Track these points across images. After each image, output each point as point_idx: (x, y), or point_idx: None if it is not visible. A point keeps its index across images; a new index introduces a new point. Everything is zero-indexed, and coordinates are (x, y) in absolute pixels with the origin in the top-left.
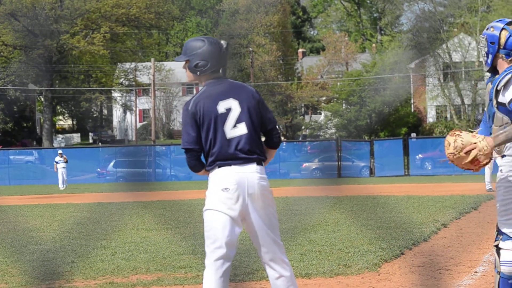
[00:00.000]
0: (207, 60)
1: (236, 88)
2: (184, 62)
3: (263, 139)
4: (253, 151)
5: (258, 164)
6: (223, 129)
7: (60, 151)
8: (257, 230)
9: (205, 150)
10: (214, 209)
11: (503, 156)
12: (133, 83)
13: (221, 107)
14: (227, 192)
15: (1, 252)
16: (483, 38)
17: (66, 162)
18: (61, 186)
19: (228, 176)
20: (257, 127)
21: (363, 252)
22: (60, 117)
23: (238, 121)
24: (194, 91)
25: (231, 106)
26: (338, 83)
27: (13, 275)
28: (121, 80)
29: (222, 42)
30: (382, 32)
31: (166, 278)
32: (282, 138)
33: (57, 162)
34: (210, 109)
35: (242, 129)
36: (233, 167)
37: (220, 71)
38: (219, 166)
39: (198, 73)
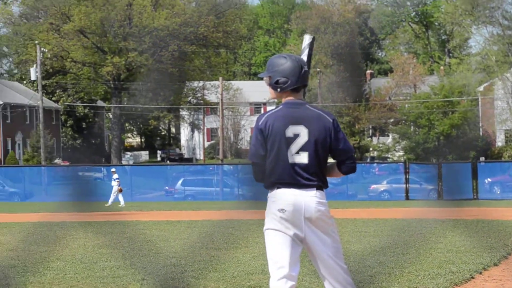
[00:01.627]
0: (288, 77)
1: (311, 116)
2: (267, 79)
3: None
4: (312, 179)
5: (317, 189)
6: (286, 153)
7: (113, 169)
8: (318, 253)
9: (267, 168)
10: (273, 229)
11: None
12: (201, 101)
13: (290, 131)
14: (283, 213)
15: (71, 268)
16: None
17: (117, 180)
18: (122, 203)
19: (286, 198)
20: (322, 158)
21: (433, 275)
22: (129, 135)
23: (302, 149)
24: (262, 111)
25: (300, 133)
26: (406, 105)
27: None
28: (189, 99)
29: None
30: (450, 54)
31: None
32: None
33: (114, 179)
34: (278, 130)
35: (303, 158)
36: (291, 189)
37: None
38: (278, 188)
39: (278, 89)
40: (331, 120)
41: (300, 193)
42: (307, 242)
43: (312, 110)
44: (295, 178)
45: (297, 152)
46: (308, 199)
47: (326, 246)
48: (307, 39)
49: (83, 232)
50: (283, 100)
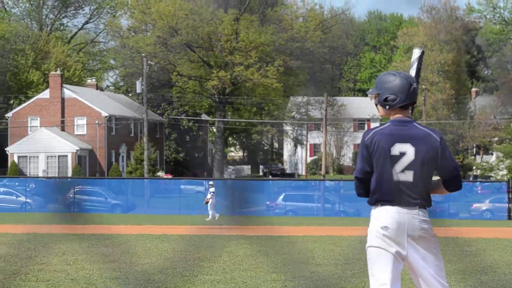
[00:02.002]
0: (397, 94)
1: (418, 135)
2: (374, 97)
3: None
4: (417, 197)
5: (420, 207)
6: (391, 171)
7: (211, 182)
8: (419, 272)
9: (372, 185)
10: (375, 246)
11: None
12: (305, 117)
13: (396, 149)
14: (386, 231)
15: (172, 281)
16: None
17: (211, 193)
18: (210, 217)
19: (389, 215)
20: (427, 177)
21: None
22: (232, 149)
23: (408, 168)
24: (366, 127)
25: (406, 152)
26: None
27: None
28: (293, 114)
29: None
30: None
31: None
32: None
33: (209, 193)
34: (384, 147)
35: (409, 176)
36: (395, 207)
37: (410, 109)
38: (382, 205)
39: (387, 107)
40: (439, 139)
41: (404, 211)
42: (409, 260)
43: (420, 128)
44: (399, 196)
45: (403, 171)
46: (411, 217)
47: (428, 264)
48: (416, 53)
49: (184, 246)
50: (391, 117)
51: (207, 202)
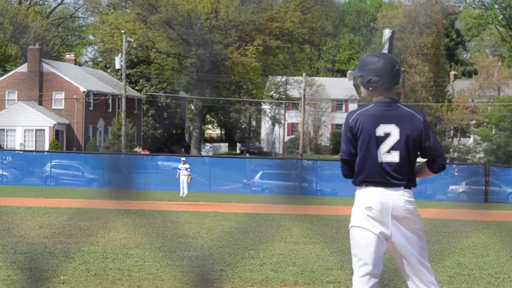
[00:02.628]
0: (381, 76)
1: (403, 116)
2: (357, 78)
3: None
4: (402, 178)
5: (406, 188)
6: (377, 152)
7: (183, 159)
8: (403, 252)
9: (356, 166)
10: (359, 226)
11: None
12: (283, 96)
13: (381, 130)
14: (370, 211)
15: (151, 256)
16: None
17: (188, 169)
18: (181, 192)
19: (374, 196)
20: (412, 157)
21: None
22: (209, 126)
23: (393, 148)
24: (344, 108)
25: (391, 132)
26: (489, 108)
27: (163, 279)
28: (271, 93)
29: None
30: None
31: None
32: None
33: (179, 169)
34: (368, 128)
35: (394, 157)
36: (380, 188)
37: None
38: (366, 185)
39: (370, 88)
40: (422, 119)
41: (389, 192)
42: (393, 240)
43: (404, 109)
44: (384, 177)
45: (388, 151)
46: (396, 197)
47: (412, 245)
48: (387, 33)
49: (162, 221)
50: (374, 99)
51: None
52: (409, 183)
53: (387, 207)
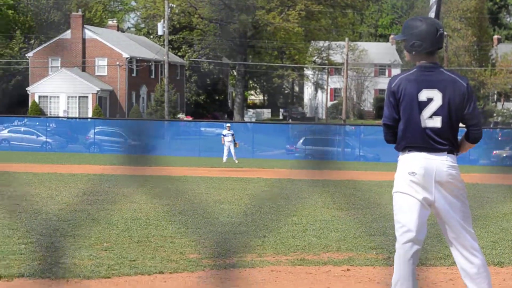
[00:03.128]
0: (423, 40)
1: (446, 81)
2: (400, 42)
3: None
4: (445, 143)
5: (449, 153)
6: (419, 117)
7: (228, 124)
8: (446, 217)
9: (399, 131)
10: (402, 192)
11: None
12: (326, 61)
13: (423, 95)
14: (414, 176)
15: (193, 223)
16: None
17: (233, 135)
18: (224, 159)
19: (417, 161)
20: (454, 122)
21: None
22: (252, 92)
23: (436, 114)
24: (387, 73)
25: (434, 97)
26: None
27: (206, 246)
28: (314, 58)
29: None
30: None
31: (357, 258)
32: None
33: (224, 135)
34: (411, 93)
35: (437, 122)
36: (423, 153)
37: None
38: (409, 151)
39: (413, 52)
40: (465, 85)
41: (432, 156)
42: (436, 206)
43: (447, 74)
44: (427, 142)
45: (430, 117)
46: (439, 162)
47: (455, 210)
48: None
49: (205, 188)
50: (417, 63)
51: (236, 146)
52: (452, 148)
53: (430, 172)
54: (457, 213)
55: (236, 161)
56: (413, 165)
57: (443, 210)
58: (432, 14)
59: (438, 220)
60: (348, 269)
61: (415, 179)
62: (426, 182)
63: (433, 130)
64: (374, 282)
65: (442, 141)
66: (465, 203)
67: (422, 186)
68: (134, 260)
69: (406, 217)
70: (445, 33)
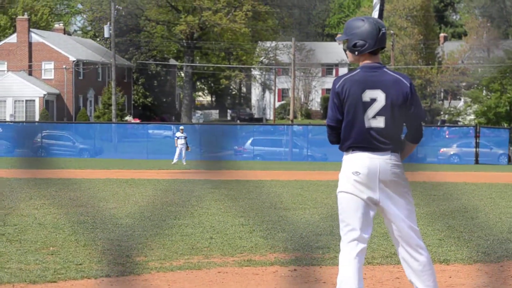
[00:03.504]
0: (366, 40)
1: (389, 81)
2: (343, 43)
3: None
4: (388, 143)
5: (392, 152)
6: (363, 117)
7: (181, 127)
8: (391, 216)
9: (343, 132)
10: (346, 192)
11: None
12: (273, 62)
13: (367, 95)
14: (358, 176)
15: (141, 225)
16: None
17: (186, 138)
18: (174, 160)
19: (360, 161)
20: (398, 123)
21: (502, 240)
22: (200, 93)
23: (379, 114)
24: (334, 72)
25: (377, 98)
26: (479, 69)
27: (152, 248)
28: (261, 59)
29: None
30: None
31: (304, 258)
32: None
33: (178, 138)
34: (355, 94)
35: (380, 122)
36: (366, 153)
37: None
38: (353, 151)
39: (356, 53)
40: (409, 85)
41: (375, 156)
42: (381, 205)
43: (390, 74)
44: (371, 142)
45: (374, 117)
46: (383, 161)
47: (399, 208)
48: None
49: (152, 190)
50: (361, 64)
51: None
52: (396, 148)
53: (374, 171)
54: (402, 211)
55: (184, 163)
56: (357, 164)
57: (388, 208)
58: (375, 14)
59: (384, 219)
60: (295, 269)
61: (359, 178)
62: (370, 181)
63: (377, 130)
64: (321, 282)
65: (385, 141)
66: (410, 201)
67: (366, 186)
68: (80, 264)
69: (350, 216)
70: (391, 31)
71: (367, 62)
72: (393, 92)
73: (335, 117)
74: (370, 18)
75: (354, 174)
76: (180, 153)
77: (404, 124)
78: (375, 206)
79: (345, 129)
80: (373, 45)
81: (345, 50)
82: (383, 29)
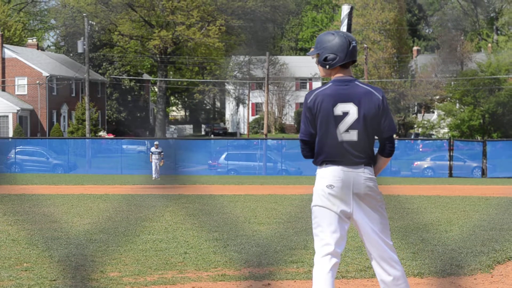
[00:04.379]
0: (336, 53)
1: (360, 94)
2: (315, 57)
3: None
4: (362, 156)
5: (366, 165)
6: (336, 131)
7: (156, 142)
8: (364, 230)
9: (316, 146)
10: (320, 205)
11: None
12: (247, 76)
13: (339, 109)
14: (331, 189)
15: (114, 241)
16: None
17: (161, 153)
18: (154, 175)
19: (334, 174)
20: (370, 135)
21: (476, 253)
22: (174, 108)
23: (351, 127)
24: (308, 86)
25: (349, 111)
26: (452, 82)
27: (126, 263)
28: (235, 73)
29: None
30: (499, 32)
31: (278, 272)
32: (395, 136)
33: (152, 153)
34: (326, 108)
35: (353, 135)
36: (340, 166)
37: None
38: (327, 164)
39: (327, 66)
40: (381, 97)
41: (349, 169)
42: (355, 218)
43: (361, 86)
44: (344, 155)
45: (346, 130)
46: (356, 175)
47: (373, 222)
48: (345, 9)
49: (126, 205)
50: (332, 77)
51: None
52: (369, 161)
53: (348, 185)
54: (375, 225)
55: (158, 178)
56: (331, 178)
57: (362, 222)
58: (343, 29)
59: (358, 232)
60: (269, 284)
61: (333, 192)
62: (343, 194)
63: (350, 143)
64: None
65: (359, 154)
66: (384, 215)
67: (340, 199)
68: (54, 280)
69: (324, 230)
70: (364, 45)
71: (338, 75)
72: (365, 104)
73: (308, 131)
74: (340, 32)
75: (328, 187)
76: (156, 168)
77: (376, 137)
78: (348, 219)
79: (318, 143)
80: (344, 58)
81: (317, 64)
82: (353, 42)
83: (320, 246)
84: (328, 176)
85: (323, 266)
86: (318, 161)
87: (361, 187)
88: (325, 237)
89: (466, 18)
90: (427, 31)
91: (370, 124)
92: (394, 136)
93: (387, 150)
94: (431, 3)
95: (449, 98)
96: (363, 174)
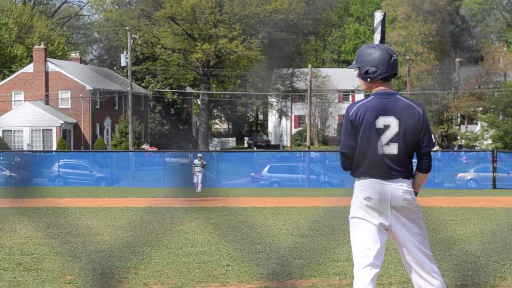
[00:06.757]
0: (378, 66)
1: (402, 107)
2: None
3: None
4: (401, 170)
5: (404, 178)
6: (376, 144)
7: (199, 155)
8: (403, 241)
9: (356, 158)
10: (358, 217)
11: None
12: (290, 88)
13: (380, 122)
14: (369, 202)
15: (157, 253)
16: None
17: (204, 166)
18: (198, 188)
19: (372, 186)
20: (411, 149)
21: None
22: (216, 121)
23: (392, 140)
24: (351, 99)
25: (390, 124)
26: (496, 94)
27: (169, 276)
28: (277, 86)
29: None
30: None
31: (320, 285)
32: (438, 148)
33: (195, 165)
34: (368, 121)
35: (393, 149)
36: (378, 179)
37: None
38: (365, 177)
39: (368, 79)
40: (421, 112)
41: (387, 182)
42: (393, 230)
43: (403, 100)
44: (383, 168)
45: (387, 143)
46: (394, 187)
47: (412, 234)
48: (378, 16)
49: (169, 218)
50: (374, 90)
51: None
52: (407, 174)
53: (386, 197)
54: (414, 237)
55: (199, 191)
56: (369, 190)
57: (400, 234)
58: (378, 35)
59: (396, 244)
60: None
61: (371, 204)
62: (381, 207)
63: (390, 156)
64: None
65: (398, 168)
66: (422, 227)
67: (377, 211)
68: None
69: (363, 242)
70: (407, 57)
71: (380, 88)
72: (406, 118)
73: (348, 144)
74: (381, 45)
75: (366, 199)
76: (198, 180)
77: (417, 152)
78: (386, 231)
79: (358, 155)
80: (385, 71)
81: (358, 78)
82: (394, 55)
83: (359, 258)
84: (366, 188)
85: (363, 277)
86: (357, 173)
87: (398, 200)
88: (364, 249)
89: (509, 29)
90: (470, 42)
91: (410, 138)
92: (437, 148)
93: (424, 165)
94: (473, 14)
95: (492, 110)
96: (401, 187)
